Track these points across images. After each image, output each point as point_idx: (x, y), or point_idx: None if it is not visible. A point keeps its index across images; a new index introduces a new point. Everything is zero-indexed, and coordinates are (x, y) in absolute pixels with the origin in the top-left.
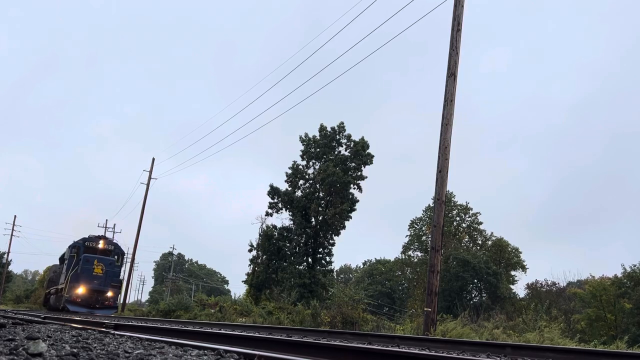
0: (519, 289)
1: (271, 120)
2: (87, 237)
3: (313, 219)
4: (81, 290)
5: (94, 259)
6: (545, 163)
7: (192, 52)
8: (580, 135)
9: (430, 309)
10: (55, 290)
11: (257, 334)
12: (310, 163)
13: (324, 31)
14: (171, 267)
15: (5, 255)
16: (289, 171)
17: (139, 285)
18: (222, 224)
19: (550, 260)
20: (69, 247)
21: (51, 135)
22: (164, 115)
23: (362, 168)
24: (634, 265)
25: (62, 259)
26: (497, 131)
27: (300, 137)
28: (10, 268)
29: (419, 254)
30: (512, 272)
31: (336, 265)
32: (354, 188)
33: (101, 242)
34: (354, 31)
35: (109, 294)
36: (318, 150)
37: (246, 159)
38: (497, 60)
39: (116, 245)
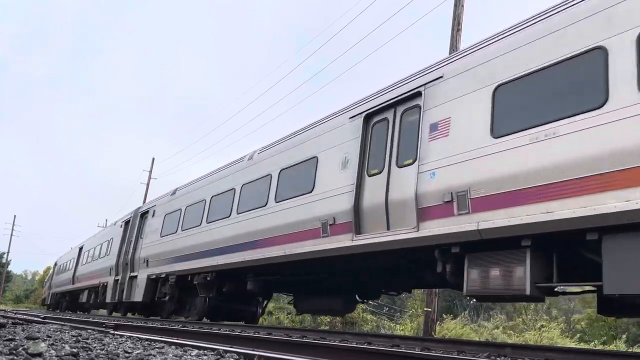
0: None
1: (279, 115)
2: None
3: None
4: None
5: None
6: None
7: (195, 34)
8: None
9: (430, 309)
10: None
11: (257, 334)
12: None
13: (326, 29)
14: None
15: (5, 255)
16: None
17: None
18: None
19: None
20: None
21: (42, 126)
22: (168, 99)
23: None
24: None
25: None
26: None
27: None
28: (10, 268)
29: None
30: None
31: None
32: None
33: None
34: (354, 31)
35: None
36: None
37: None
38: None
39: None
